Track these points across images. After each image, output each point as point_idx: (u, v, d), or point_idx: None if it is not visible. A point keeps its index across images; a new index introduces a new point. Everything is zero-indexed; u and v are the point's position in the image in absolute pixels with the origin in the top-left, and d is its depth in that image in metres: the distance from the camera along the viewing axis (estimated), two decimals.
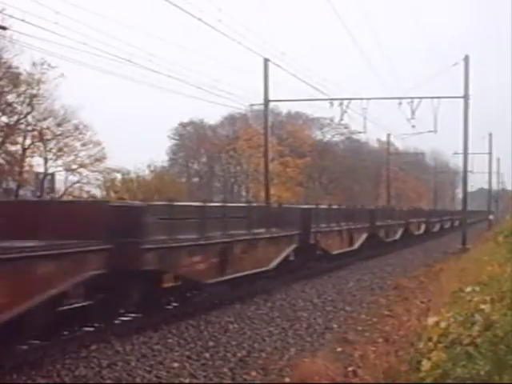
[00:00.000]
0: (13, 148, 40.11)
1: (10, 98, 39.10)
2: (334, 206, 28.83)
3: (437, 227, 52.08)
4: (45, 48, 25.08)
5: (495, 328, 6.40)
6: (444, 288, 14.70)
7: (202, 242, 14.58)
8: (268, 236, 18.48)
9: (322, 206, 26.46)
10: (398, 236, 37.23)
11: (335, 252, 25.36)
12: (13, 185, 40.40)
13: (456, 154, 51.86)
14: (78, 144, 43.54)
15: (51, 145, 42.38)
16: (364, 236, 29.72)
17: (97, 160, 44.31)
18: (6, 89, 38.61)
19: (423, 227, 45.36)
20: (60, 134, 42.38)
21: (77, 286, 11.42)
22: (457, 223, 61.08)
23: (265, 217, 18.83)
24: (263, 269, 17.98)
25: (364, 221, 29.99)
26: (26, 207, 13.20)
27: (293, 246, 20.52)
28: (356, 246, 28.40)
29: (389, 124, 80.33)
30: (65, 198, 39.18)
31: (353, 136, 73.67)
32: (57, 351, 10.44)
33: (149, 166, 53.88)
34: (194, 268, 14.38)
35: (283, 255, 19.52)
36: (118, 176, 47.41)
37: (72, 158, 43.55)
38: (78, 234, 10.94)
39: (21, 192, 39.43)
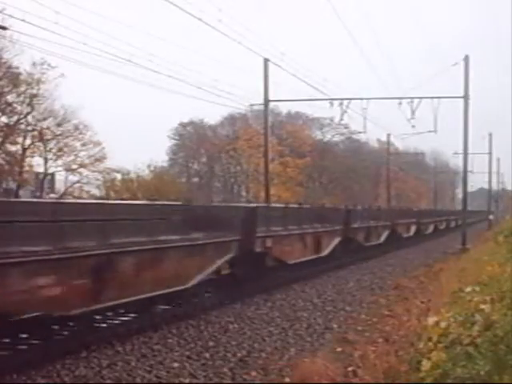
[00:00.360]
0: (13, 148, 40.20)
1: (10, 98, 39.21)
2: (293, 206, 24.82)
3: (430, 229, 48.80)
4: (45, 48, 25.29)
5: (495, 328, 6.40)
6: (444, 288, 14.69)
7: (55, 257, 10.17)
8: (184, 244, 13.98)
9: (276, 205, 22.54)
10: (382, 239, 33.23)
11: (293, 261, 20.55)
12: (13, 185, 40.45)
13: (456, 153, 52.03)
14: (78, 144, 43.76)
15: (51, 145, 42.50)
16: (336, 240, 25.40)
17: (97, 160, 44.45)
18: (6, 89, 38.68)
19: (413, 229, 41.87)
20: (60, 134, 42.48)
21: None
22: (453, 224, 59.60)
23: (183, 219, 14.34)
24: (177, 288, 13.64)
25: (337, 222, 25.77)
26: None
27: (227, 257, 16.18)
28: (325, 252, 23.90)
29: (389, 124, 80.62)
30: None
31: (353, 136, 73.89)
32: (57, 351, 10.45)
33: (149, 166, 54.01)
34: (35, 294, 9.85)
35: (211, 269, 15.31)
36: (118, 176, 47.55)
37: (72, 158, 43.74)
38: None
39: (21, 192, 39.47)
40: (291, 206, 24.14)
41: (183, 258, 13.89)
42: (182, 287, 13.80)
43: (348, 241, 27.22)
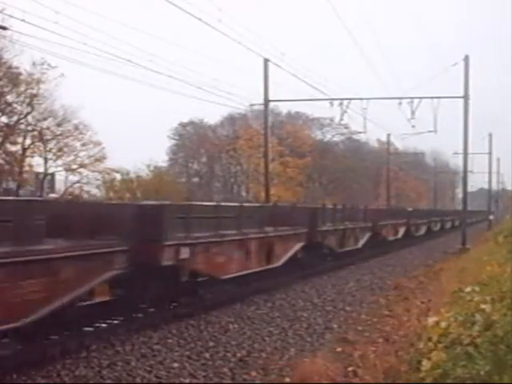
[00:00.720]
0: (13, 148, 40.16)
1: (10, 98, 39.16)
2: (231, 204, 20.27)
3: (422, 230, 45.78)
4: (45, 48, 25.22)
5: (495, 328, 6.40)
6: (444, 288, 14.70)
7: None
8: (19, 260, 9.27)
9: (202, 203, 18.24)
10: (360, 244, 29.34)
11: (228, 276, 16.29)
12: (13, 185, 40.43)
13: (456, 153, 52.05)
14: (78, 144, 43.65)
15: (51, 145, 42.43)
16: (297, 247, 21.17)
17: (97, 160, 44.38)
18: (6, 89, 38.64)
19: (402, 231, 38.43)
20: (60, 134, 42.42)
21: None
22: (448, 225, 58.92)
23: (22, 222, 9.57)
24: (7, 326, 9.14)
25: (299, 224, 21.50)
26: None
27: (106, 275, 11.67)
28: (280, 262, 19.58)
29: (389, 124, 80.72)
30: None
31: (353, 136, 73.83)
32: (57, 351, 10.44)
33: (148, 166, 54.00)
34: None
35: (75, 294, 10.71)
36: (118, 176, 47.53)
37: (72, 158, 43.63)
38: None
39: (21, 192, 39.45)
40: (227, 204, 19.66)
41: (18, 282, 9.18)
42: (16, 325, 9.28)
43: (315, 246, 23.40)
